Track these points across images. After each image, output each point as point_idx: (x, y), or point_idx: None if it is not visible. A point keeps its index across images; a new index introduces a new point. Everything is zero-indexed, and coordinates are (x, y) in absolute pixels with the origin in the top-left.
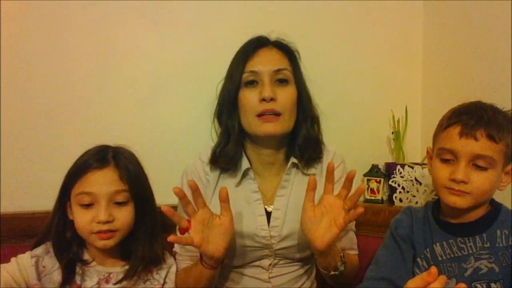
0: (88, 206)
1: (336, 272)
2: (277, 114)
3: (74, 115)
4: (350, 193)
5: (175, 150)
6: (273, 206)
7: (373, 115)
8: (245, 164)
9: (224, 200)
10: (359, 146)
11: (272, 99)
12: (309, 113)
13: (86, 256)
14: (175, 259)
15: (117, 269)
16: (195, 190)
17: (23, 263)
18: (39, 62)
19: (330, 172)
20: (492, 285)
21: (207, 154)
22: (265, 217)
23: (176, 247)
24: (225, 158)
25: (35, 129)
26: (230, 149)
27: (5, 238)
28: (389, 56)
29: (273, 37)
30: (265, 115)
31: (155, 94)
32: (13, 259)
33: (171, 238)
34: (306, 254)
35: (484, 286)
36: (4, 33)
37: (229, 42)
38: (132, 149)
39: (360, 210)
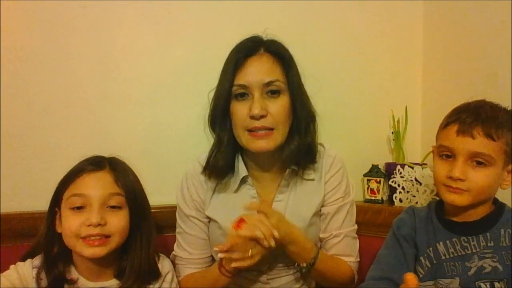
0: (79, 209)
1: (303, 269)
2: (269, 129)
3: (74, 115)
4: None
5: (175, 150)
6: None
7: (373, 115)
8: (242, 171)
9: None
10: (359, 146)
11: (262, 116)
12: (302, 121)
13: (74, 274)
14: (173, 263)
15: (111, 282)
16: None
17: (23, 273)
18: (39, 62)
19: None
20: (496, 284)
21: (204, 158)
22: None
23: (177, 251)
24: (213, 169)
25: (35, 129)
26: (218, 161)
27: (5, 238)
28: (389, 56)
29: (267, 35)
30: (257, 131)
31: (155, 94)
32: (12, 267)
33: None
34: None
35: (488, 285)
36: (4, 33)
37: (229, 42)
38: (132, 149)
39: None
